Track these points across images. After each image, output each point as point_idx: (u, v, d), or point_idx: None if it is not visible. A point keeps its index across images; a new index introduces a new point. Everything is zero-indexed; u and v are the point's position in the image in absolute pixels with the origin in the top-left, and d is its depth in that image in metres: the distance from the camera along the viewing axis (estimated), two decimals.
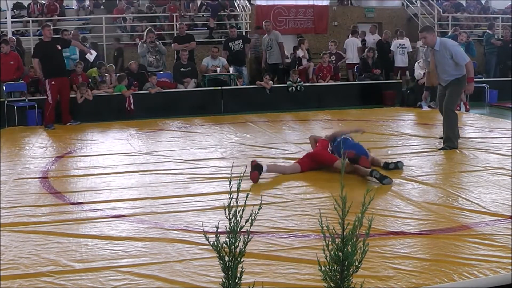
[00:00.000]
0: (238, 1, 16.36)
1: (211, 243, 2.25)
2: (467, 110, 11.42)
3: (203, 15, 16.32)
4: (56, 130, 9.84)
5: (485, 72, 14.66)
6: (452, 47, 7.41)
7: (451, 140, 7.52)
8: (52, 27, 10.72)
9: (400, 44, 14.00)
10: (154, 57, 12.38)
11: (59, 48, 10.21)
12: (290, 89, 12.23)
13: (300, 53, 13.20)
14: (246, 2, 16.09)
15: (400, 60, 13.99)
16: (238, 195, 2.22)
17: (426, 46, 7.80)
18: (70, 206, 5.14)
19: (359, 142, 6.55)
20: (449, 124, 7.59)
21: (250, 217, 2.20)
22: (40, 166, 6.89)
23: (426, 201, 5.12)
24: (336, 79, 13.15)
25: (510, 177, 5.85)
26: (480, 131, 9.06)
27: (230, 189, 2.25)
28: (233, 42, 12.90)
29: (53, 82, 10.09)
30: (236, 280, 2.21)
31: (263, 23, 13.69)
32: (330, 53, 13.63)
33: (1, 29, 13.69)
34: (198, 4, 16.60)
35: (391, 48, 14.16)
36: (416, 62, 12.28)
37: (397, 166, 6.39)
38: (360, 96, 12.82)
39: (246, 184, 5.64)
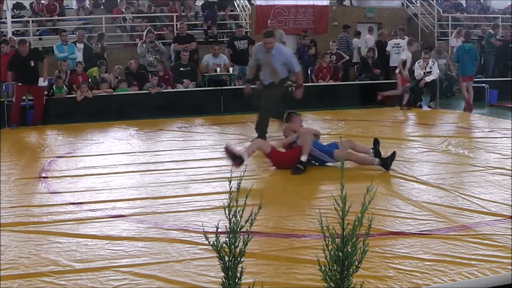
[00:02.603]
0: (238, 1, 16.35)
1: (211, 243, 2.24)
2: (470, 110, 11.33)
3: (201, 15, 16.28)
4: (56, 130, 9.83)
5: (484, 72, 14.66)
6: (287, 53, 8.26)
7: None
8: (24, 43, 10.47)
9: (395, 44, 14.00)
10: (154, 57, 12.39)
11: (32, 64, 10.21)
12: (290, 89, 12.21)
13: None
14: (246, 2, 16.08)
15: (396, 59, 13.98)
16: (238, 195, 2.22)
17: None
18: (70, 206, 5.14)
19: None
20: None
21: (250, 217, 2.20)
22: (40, 166, 6.89)
23: (426, 201, 5.11)
24: (336, 79, 13.14)
25: (510, 177, 5.85)
26: (480, 131, 9.06)
27: (230, 189, 2.25)
28: (238, 41, 12.90)
29: (19, 84, 10.16)
30: (236, 280, 2.21)
31: (268, 21, 13.66)
32: (331, 53, 13.63)
33: (1, 29, 13.68)
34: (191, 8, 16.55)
35: (386, 48, 14.17)
36: (416, 62, 12.25)
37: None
38: (360, 96, 12.81)
39: (246, 184, 5.63)
